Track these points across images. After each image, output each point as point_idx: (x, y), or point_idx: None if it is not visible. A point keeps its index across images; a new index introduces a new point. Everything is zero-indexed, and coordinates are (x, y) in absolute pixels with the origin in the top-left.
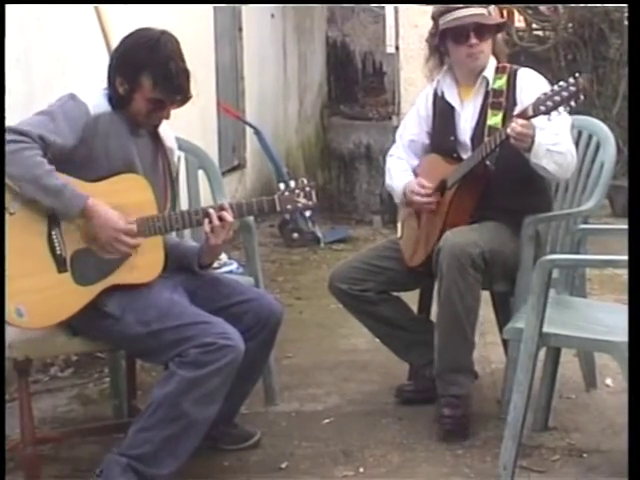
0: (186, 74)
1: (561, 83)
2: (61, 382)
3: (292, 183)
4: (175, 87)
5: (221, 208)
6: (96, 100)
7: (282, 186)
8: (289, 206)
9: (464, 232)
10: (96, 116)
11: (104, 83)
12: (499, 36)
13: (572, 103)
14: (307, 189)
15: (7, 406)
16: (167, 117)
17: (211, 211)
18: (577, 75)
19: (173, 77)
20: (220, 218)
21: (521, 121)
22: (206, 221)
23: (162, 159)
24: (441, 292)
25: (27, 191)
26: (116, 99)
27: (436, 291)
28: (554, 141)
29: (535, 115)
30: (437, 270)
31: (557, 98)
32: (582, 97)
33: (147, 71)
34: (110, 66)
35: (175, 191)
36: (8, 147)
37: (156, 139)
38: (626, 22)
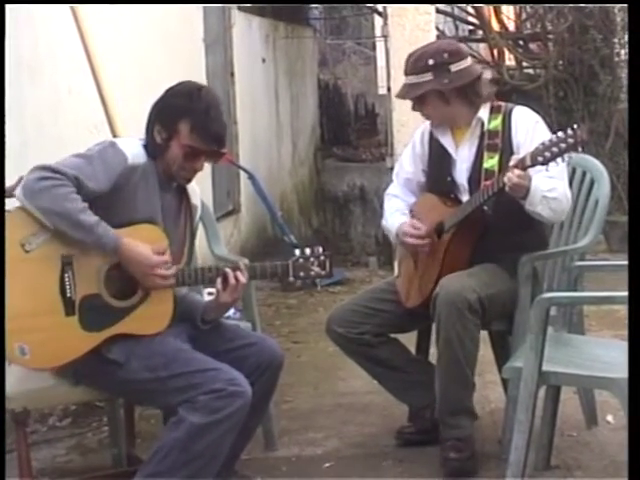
0: (224, 125)
1: (560, 134)
2: (60, 432)
3: (307, 251)
4: (213, 135)
5: (236, 268)
6: (135, 149)
7: (297, 252)
8: (302, 273)
9: (460, 278)
10: (133, 166)
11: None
12: (485, 79)
13: (570, 154)
14: (322, 258)
15: (6, 457)
16: (200, 168)
17: (228, 271)
18: (575, 126)
19: (212, 124)
20: (235, 278)
21: (517, 172)
22: (219, 279)
23: (185, 215)
24: (440, 338)
25: (59, 225)
26: (153, 148)
27: (435, 336)
28: (549, 186)
29: (533, 165)
30: (434, 316)
31: (555, 149)
32: (580, 149)
33: (186, 117)
34: (150, 116)
35: (193, 247)
36: (43, 183)
37: (182, 194)
38: (616, 58)
